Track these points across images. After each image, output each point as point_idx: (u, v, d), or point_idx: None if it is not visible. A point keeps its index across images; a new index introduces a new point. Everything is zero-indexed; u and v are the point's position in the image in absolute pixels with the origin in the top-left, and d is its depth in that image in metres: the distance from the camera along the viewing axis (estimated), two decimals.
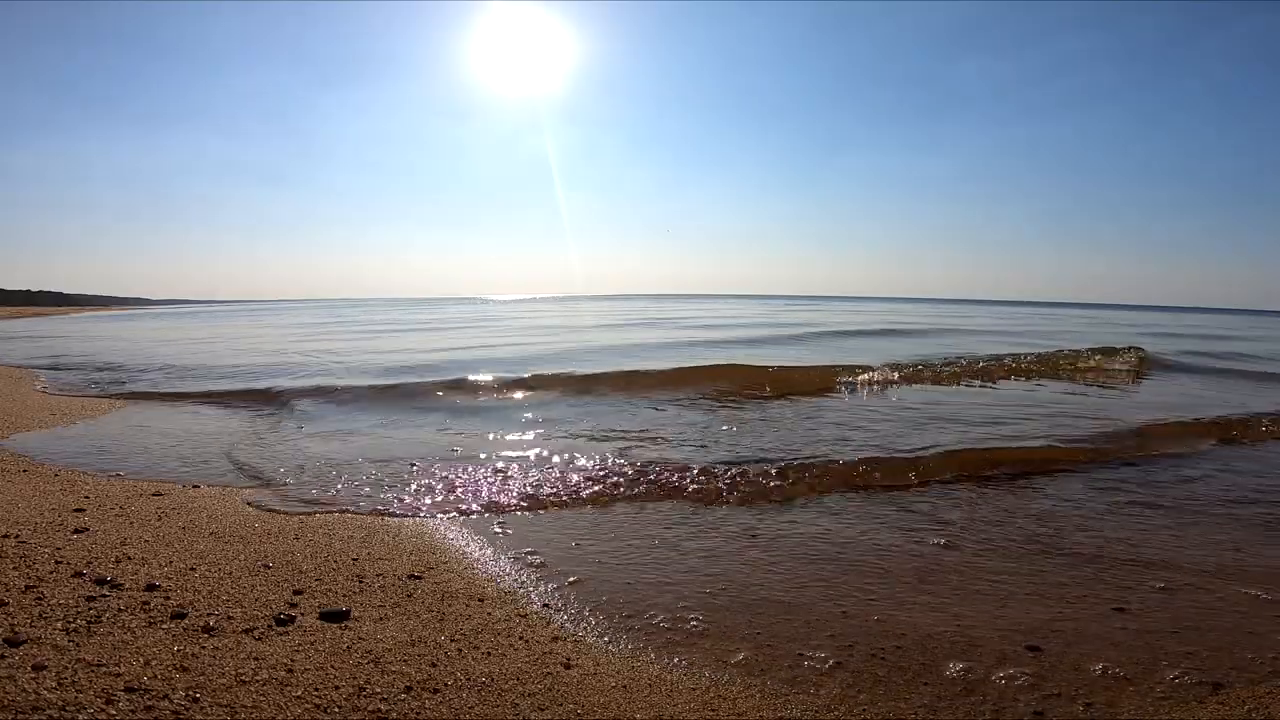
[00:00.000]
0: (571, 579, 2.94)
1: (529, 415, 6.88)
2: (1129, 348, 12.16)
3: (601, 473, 4.57)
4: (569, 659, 2.29)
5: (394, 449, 5.32)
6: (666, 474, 4.51)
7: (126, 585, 2.62)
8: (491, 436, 5.87)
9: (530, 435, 5.94)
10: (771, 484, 4.36)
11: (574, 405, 7.46)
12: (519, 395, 8.11)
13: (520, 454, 5.19)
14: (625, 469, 4.66)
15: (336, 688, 2.01)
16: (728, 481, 4.36)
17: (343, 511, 3.78)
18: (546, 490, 4.21)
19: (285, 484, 4.32)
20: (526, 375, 8.98)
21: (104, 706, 1.82)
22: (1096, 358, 11.49)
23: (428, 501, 3.99)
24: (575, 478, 4.44)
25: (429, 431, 6.07)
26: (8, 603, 2.39)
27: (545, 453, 5.21)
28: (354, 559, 3.06)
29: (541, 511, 3.88)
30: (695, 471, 4.55)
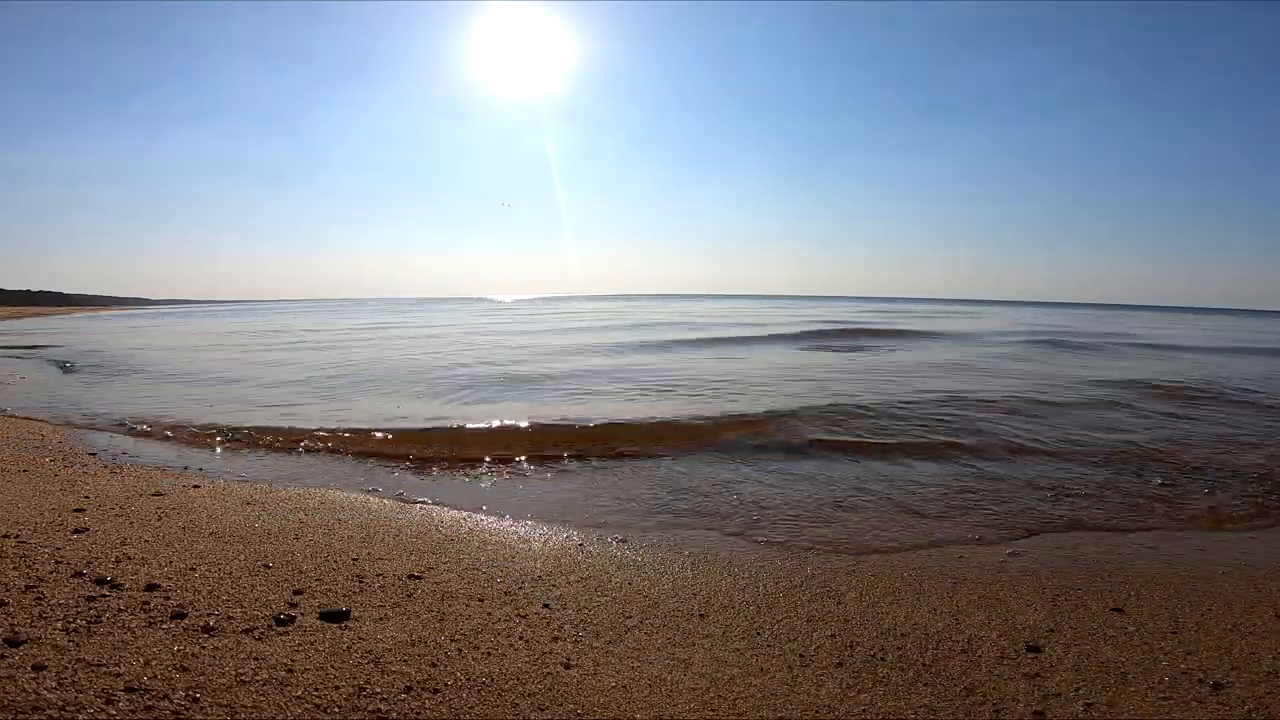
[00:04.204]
0: None
1: None
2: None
3: None
4: (569, 659, 2.29)
5: None
6: None
7: (126, 585, 2.62)
8: None
9: None
10: None
11: None
12: None
13: None
14: None
15: (336, 688, 2.01)
16: None
17: None
18: None
19: None
20: None
21: (104, 706, 1.82)
22: None
23: None
24: None
25: None
26: (8, 603, 2.38)
27: None
28: (354, 559, 3.06)
29: None
30: None
